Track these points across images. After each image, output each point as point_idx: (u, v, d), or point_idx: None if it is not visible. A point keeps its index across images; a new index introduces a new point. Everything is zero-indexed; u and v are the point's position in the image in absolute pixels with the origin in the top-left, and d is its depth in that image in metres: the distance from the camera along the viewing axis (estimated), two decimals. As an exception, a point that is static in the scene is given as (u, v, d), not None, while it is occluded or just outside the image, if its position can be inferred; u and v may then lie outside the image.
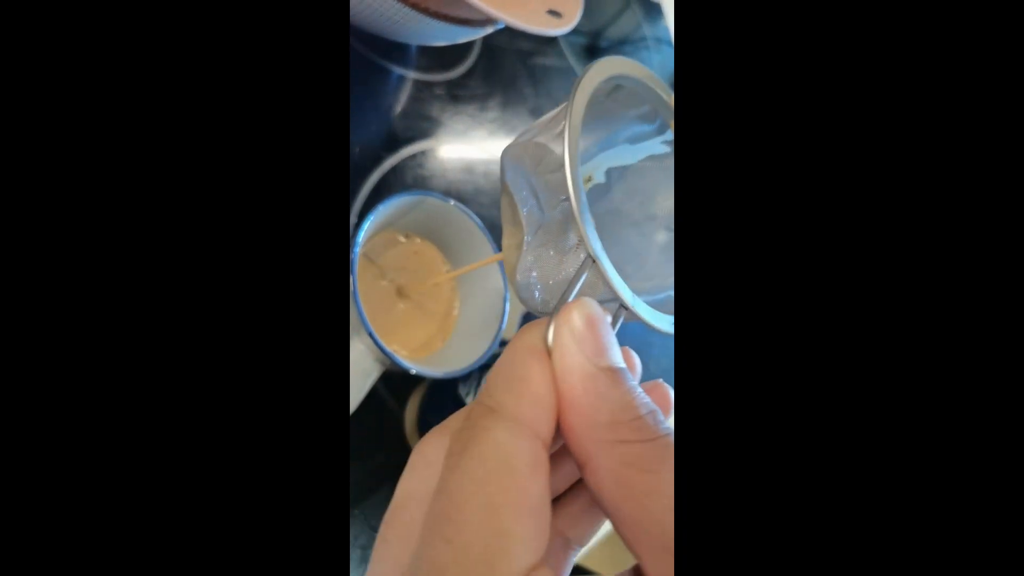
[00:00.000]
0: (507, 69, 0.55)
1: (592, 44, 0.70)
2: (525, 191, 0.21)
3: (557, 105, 0.22)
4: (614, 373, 0.15)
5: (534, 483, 0.14)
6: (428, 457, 0.16)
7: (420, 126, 0.48)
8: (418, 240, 0.38)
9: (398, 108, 0.48)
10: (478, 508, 0.14)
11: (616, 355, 0.16)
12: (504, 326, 0.38)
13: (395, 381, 0.42)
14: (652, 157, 0.25)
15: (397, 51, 0.48)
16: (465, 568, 0.13)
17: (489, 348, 0.37)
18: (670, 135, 0.24)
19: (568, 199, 0.18)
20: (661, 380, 0.19)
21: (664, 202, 0.25)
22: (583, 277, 0.18)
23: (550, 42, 0.62)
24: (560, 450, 0.17)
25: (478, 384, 0.37)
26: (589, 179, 0.26)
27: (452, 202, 0.36)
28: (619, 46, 0.75)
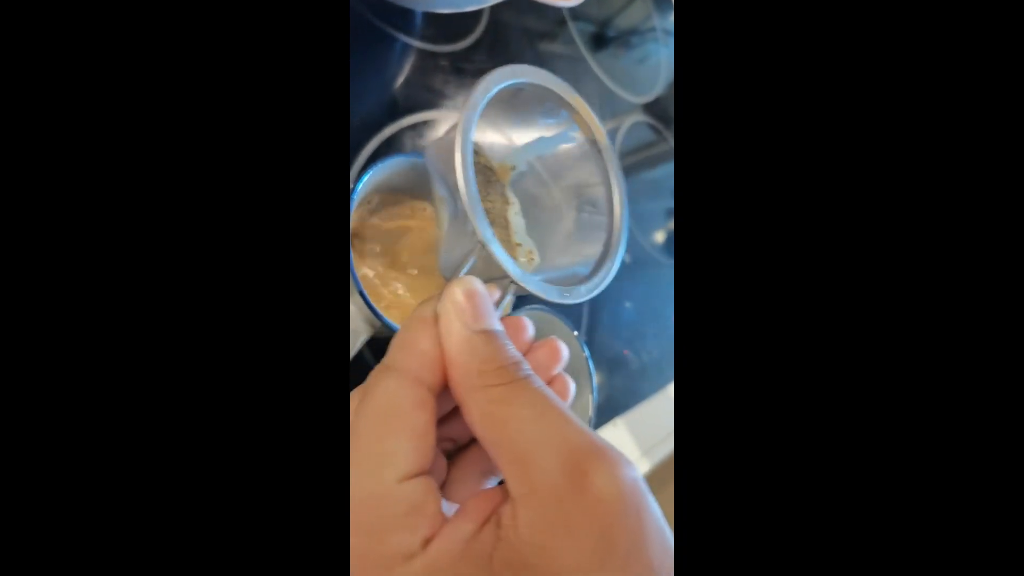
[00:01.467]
0: (513, 46, 0.55)
1: (600, 32, 0.69)
2: (440, 185, 0.25)
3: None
4: (487, 334, 0.19)
5: (417, 415, 0.18)
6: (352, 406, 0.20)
7: (422, 96, 0.47)
8: (414, 201, 0.37)
9: (401, 77, 0.47)
10: (369, 435, 0.18)
11: (491, 321, 0.20)
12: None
13: (382, 346, 0.42)
14: (563, 142, 0.28)
15: (403, 18, 0.48)
16: (358, 478, 0.18)
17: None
18: (576, 128, 0.28)
19: (460, 197, 0.22)
20: (553, 337, 0.23)
21: (571, 183, 0.29)
22: (472, 259, 0.22)
23: (560, 25, 0.62)
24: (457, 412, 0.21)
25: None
26: (513, 167, 0.30)
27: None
28: (627, 36, 0.74)
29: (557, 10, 0.61)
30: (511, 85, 0.24)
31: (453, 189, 0.23)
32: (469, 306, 0.19)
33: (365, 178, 0.33)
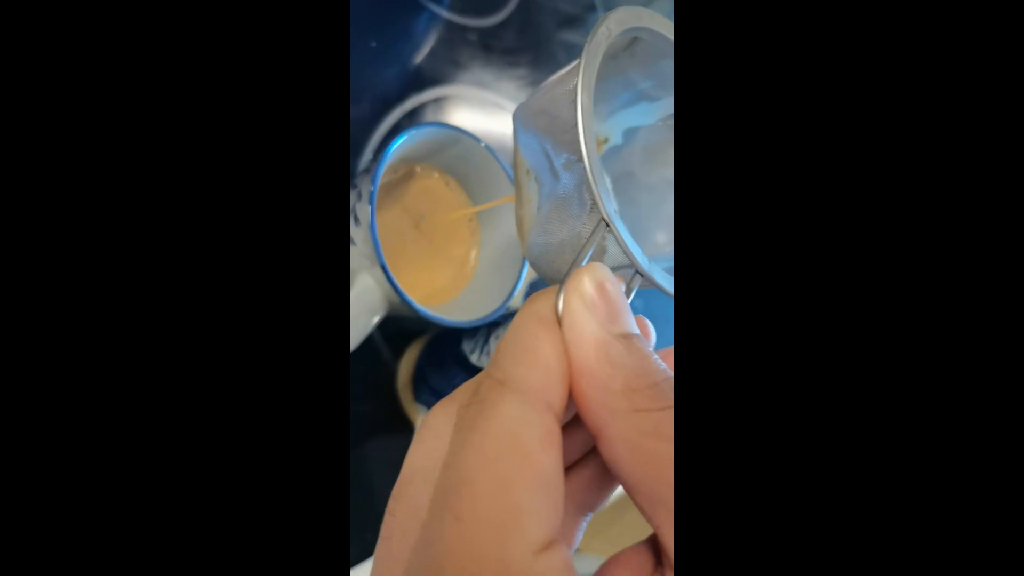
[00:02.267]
0: (543, 28, 0.53)
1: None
2: (537, 154, 0.21)
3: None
4: (628, 339, 0.15)
5: (547, 457, 0.14)
6: (436, 430, 0.16)
7: (447, 70, 0.45)
8: (445, 178, 0.35)
9: (427, 47, 0.45)
10: (489, 484, 0.14)
11: (630, 321, 0.15)
12: (521, 283, 0.35)
13: (394, 329, 0.40)
14: (671, 116, 0.24)
15: (433, -13, 0.46)
16: (476, 544, 0.13)
17: (501, 305, 0.35)
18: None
19: (581, 161, 0.17)
20: (672, 348, 0.19)
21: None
22: (596, 241, 0.17)
23: (588, 11, 0.60)
24: (573, 418, 0.17)
25: (485, 341, 0.35)
26: (606, 140, 0.25)
27: (483, 144, 0.34)
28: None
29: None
30: (632, 31, 0.20)
31: (561, 157, 0.18)
32: (603, 301, 0.15)
33: (393, 147, 0.30)
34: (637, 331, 0.15)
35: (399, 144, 0.30)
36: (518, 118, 0.21)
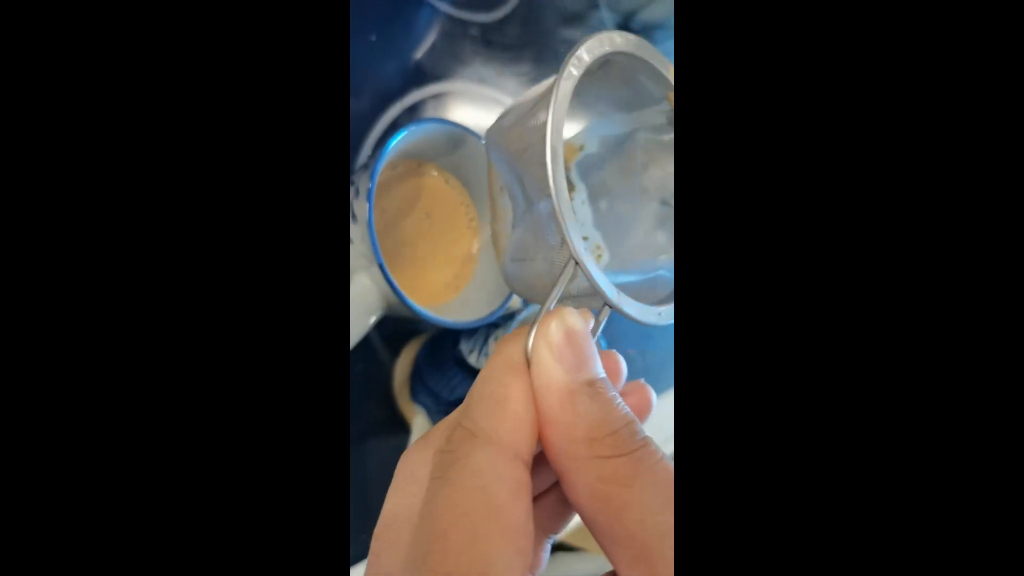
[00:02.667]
0: (545, 24, 0.52)
1: (624, 24, 0.67)
2: (510, 176, 0.21)
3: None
4: (592, 386, 0.16)
5: (516, 507, 0.14)
6: (414, 473, 0.16)
7: (448, 65, 0.45)
8: (445, 176, 0.35)
9: (428, 43, 0.44)
10: (461, 538, 0.14)
11: (595, 367, 0.16)
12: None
13: (391, 329, 0.39)
14: (647, 127, 0.24)
15: (435, -19, 0.45)
16: None
17: (501, 306, 0.34)
18: (667, 106, 0.23)
19: (549, 199, 0.17)
20: (642, 381, 0.20)
21: (657, 173, 0.24)
22: (565, 280, 0.17)
23: (593, 7, 0.59)
24: (540, 454, 0.17)
25: (484, 342, 0.34)
26: (581, 147, 0.25)
27: (484, 142, 0.33)
28: (651, 31, 0.72)
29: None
30: (605, 56, 0.20)
31: (532, 186, 0.18)
32: (569, 349, 0.16)
33: (394, 141, 0.30)
34: (602, 375, 0.16)
35: (398, 140, 0.29)
36: (491, 138, 0.21)
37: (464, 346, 0.35)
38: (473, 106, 0.46)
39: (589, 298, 0.18)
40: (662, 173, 0.24)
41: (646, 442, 0.15)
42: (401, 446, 0.39)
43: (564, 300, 0.18)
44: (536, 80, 0.51)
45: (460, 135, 0.32)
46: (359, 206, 0.30)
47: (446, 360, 0.36)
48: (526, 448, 0.15)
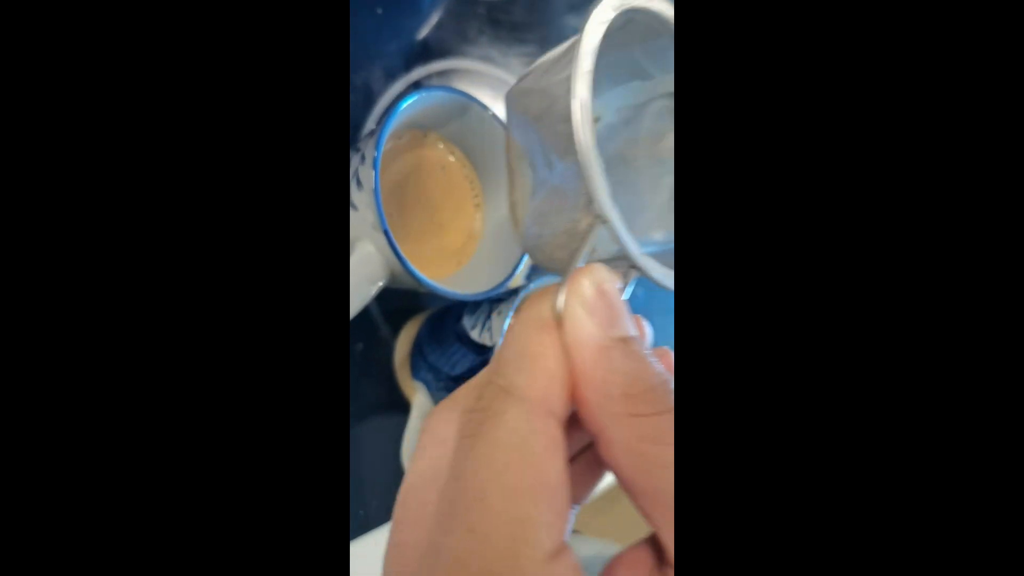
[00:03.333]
0: (554, 5, 0.52)
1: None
2: (531, 140, 0.20)
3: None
4: (627, 343, 0.15)
5: (552, 464, 0.14)
6: (439, 435, 0.16)
7: (454, 43, 0.44)
8: (451, 148, 0.34)
9: (434, 19, 0.44)
10: (498, 495, 0.14)
11: (628, 324, 0.16)
12: (525, 259, 0.34)
13: (393, 306, 0.39)
14: (664, 95, 0.23)
15: (443, -44, 0.45)
16: (488, 558, 0.13)
17: (506, 279, 0.34)
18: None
19: (576, 156, 0.16)
20: (667, 348, 0.19)
21: (672, 143, 0.24)
22: (592, 239, 0.17)
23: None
24: (569, 418, 0.17)
25: (487, 317, 0.34)
26: (597, 118, 0.24)
27: (491, 112, 0.33)
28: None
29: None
30: (629, 12, 0.19)
31: (556, 146, 0.18)
32: (602, 305, 0.15)
33: (400, 108, 0.29)
34: (635, 333, 0.16)
35: (406, 106, 0.29)
36: (511, 100, 0.21)
37: (467, 321, 0.35)
38: (478, 85, 0.46)
39: (612, 263, 0.18)
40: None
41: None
42: (401, 423, 0.38)
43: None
44: (542, 62, 0.50)
45: (467, 105, 0.32)
46: (364, 172, 0.29)
47: (448, 336, 0.36)
48: (560, 405, 0.15)
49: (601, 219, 0.17)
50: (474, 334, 0.34)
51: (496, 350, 0.16)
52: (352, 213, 0.30)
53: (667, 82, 0.23)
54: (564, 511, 0.14)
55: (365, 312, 0.38)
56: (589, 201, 0.17)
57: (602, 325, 0.15)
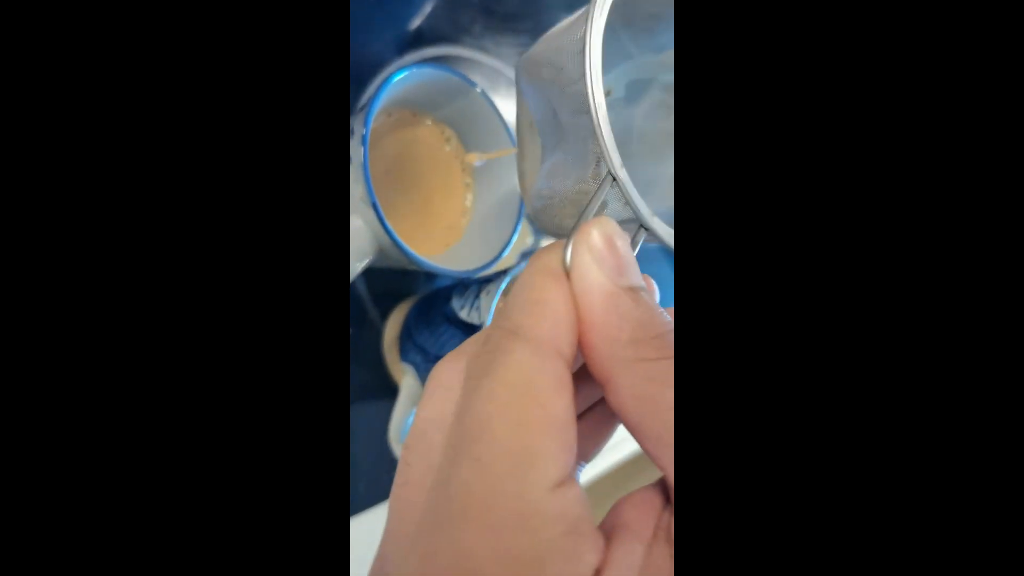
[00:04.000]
0: (546, -2, 0.52)
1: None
2: (542, 105, 0.21)
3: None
4: (635, 292, 0.15)
5: (559, 401, 0.14)
6: (445, 383, 0.16)
7: (447, 31, 0.44)
8: (441, 128, 0.34)
9: (427, 6, 0.44)
10: (504, 427, 0.14)
11: (637, 274, 0.16)
12: (515, 238, 0.34)
13: (381, 289, 0.39)
14: (668, 71, 0.24)
15: (436, -55, 0.45)
16: (493, 485, 0.14)
17: (495, 257, 0.34)
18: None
19: (588, 113, 0.17)
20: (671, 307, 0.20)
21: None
22: (602, 195, 0.17)
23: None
24: (576, 372, 0.17)
25: (476, 297, 0.34)
26: (608, 92, 0.25)
27: (479, 89, 0.33)
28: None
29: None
30: None
31: (567, 109, 0.18)
32: (611, 255, 0.15)
33: (390, 83, 0.29)
34: (643, 284, 0.16)
35: (398, 80, 0.29)
36: (522, 68, 0.21)
37: (456, 302, 0.35)
38: (471, 73, 0.46)
39: (635, 225, 0.18)
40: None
41: None
42: (389, 407, 0.38)
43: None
44: (535, 53, 0.50)
45: (458, 84, 0.32)
46: (354, 147, 0.29)
47: (437, 317, 0.36)
48: (567, 347, 0.15)
49: (612, 176, 0.17)
50: (463, 314, 0.34)
51: (485, 300, 0.16)
52: (341, 188, 0.30)
53: (664, 61, 0.24)
54: (570, 446, 0.14)
55: (353, 296, 0.38)
56: (598, 160, 0.17)
57: (610, 274, 0.15)
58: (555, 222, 0.20)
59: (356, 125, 0.30)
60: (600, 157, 0.17)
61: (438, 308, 0.36)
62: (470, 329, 0.33)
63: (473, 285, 0.35)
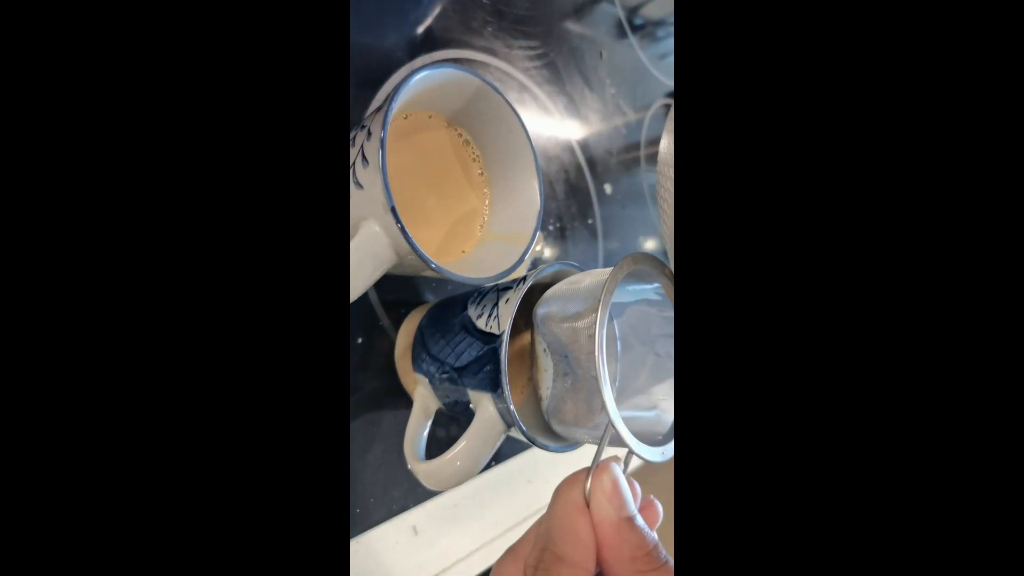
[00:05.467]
0: (558, 2, 0.51)
1: (628, 19, 0.66)
2: (556, 346, 0.26)
3: (594, 61, 0.24)
4: (631, 520, 0.22)
5: None
6: None
7: (458, 33, 0.44)
8: (458, 130, 0.33)
9: (438, 7, 0.43)
10: None
11: (632, 506, 0.22)
12: (532, 246, 0.33)
13: (393, 297, 0.38)
14: (647, 301, 0.30)
15: (447, -53, 0.44)
16: None
17: (513, 266, 0.33)
18: (659, 288, 0.29)
19: (600, 392, 0.23)
20: (652, 498, 0.26)
21: (655, 332, 0.31)
22: (605, 444, 0.24)
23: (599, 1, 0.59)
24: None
25: (494, 305, 0.33)
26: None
27: (498, 90, 0.32)
28: (653, 27, 0.72)
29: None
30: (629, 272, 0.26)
31: (578, 362, 0.24)
32: (615, 495, 0.22)
33: (410, 83, 0.28)
34: (636, 512, 0.22)
35: (416, 81, 0.28)
36: (540, 322, 0.28)
37: (472, 311, 0.34)
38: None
39: (626, 452, 0.25)
40: (658, 331, 0.31)
41: (668, 559, 0.21)
42: (401, 418, 0.37)
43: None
44: (544, 55, 0.50)
45: (476, 85, 0.31)
46: (370, 149, 0.28)
47: (452, 326, 0.35)
48: (592, 566, 0.21)
49: (612, 425, 0.24)
50: (480, 323, 0.33)
51: (542, 518, 0.23)
52: (357, 192, 0.29)
53: (646, 291, 0.30)
54: None
55: (365, 304, 0.37)
56: (603, 407, 0.23)
57: (615, 508, 0.22)
58: (569, 435, 0.28)
59: (373, 125, 0.29)
60: (605, 411, 0.23)
61: (453, 317, 0.35)
62: (489, 338, 0.32)
63: (490, 293, 0.34)
